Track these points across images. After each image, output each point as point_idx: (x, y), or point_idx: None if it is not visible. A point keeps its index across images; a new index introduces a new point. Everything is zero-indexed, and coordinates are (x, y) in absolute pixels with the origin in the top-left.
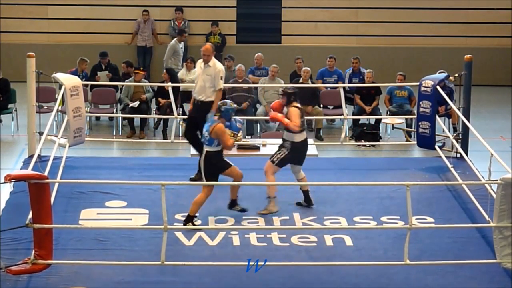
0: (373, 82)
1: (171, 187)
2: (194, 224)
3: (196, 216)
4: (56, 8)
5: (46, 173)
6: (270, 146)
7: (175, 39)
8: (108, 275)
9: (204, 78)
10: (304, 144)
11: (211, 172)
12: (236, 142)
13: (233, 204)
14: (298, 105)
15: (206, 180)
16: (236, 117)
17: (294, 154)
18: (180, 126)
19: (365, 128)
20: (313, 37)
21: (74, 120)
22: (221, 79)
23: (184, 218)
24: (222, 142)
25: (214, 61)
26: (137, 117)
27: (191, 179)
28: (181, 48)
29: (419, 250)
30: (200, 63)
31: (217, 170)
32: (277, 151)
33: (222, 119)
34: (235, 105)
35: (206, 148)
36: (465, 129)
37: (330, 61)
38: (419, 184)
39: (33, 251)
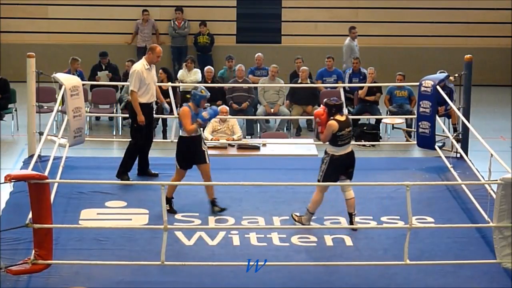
0: (374, 82)
1: None
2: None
3: (173, 198)
4: (56, 8)
5: (46, 173)
6: (270, 146)
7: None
8: (108, 275)
9: (154, 80)
10: (344, 159)
11: (180, 157)
12: (236, 142)
13: (212, 204)
14: (341, 117)
15: (177, 162)
16: (213, 107)
17: (333, 168)
18: None
19: (365, 128)
20: (313, 37)
21: (74, 120)
22: None
23: (184, 218)
24: (182, 124)
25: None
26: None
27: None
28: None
29: (419, 250)
30: (145, 67)
31: (188, 157)
32: (320, 167)
33: (192, 104)
34: (207, 93)
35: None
36: (465, 129)
37: (329, 61)
38: (419, 184)
39: (33, 251)
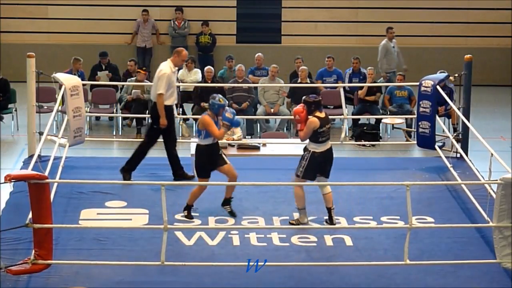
0: (374, 81)
1: (171, 187)
2: (190, 214)
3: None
4: (56, 8)
5: (46, 173)
6: (270, 146)
7: None
8: (108, 275)
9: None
10: (324, 155)
11: (200, 165)
12: (236, 142)
13: (226, 202)
14: (320, 114)
15: (196, 172)
16: (228, 109)
17: (313, 165)
18: (180, 126)
19: (365, 128)
20: (313, 37)
21: (74, 120)
22: None
23: (184, 218)
24: (210, 132)
25: None
26: (136, 116)
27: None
28: None
29: (419, 250)
30: (171, 69)
31: (208, 165)
32: (299, 162)
33: (211, 113)
34: (225, 101)
35: (197, 141)
36: (465, 129)
37: (329, 61)
38: (419, 184)
39: (33, 251)
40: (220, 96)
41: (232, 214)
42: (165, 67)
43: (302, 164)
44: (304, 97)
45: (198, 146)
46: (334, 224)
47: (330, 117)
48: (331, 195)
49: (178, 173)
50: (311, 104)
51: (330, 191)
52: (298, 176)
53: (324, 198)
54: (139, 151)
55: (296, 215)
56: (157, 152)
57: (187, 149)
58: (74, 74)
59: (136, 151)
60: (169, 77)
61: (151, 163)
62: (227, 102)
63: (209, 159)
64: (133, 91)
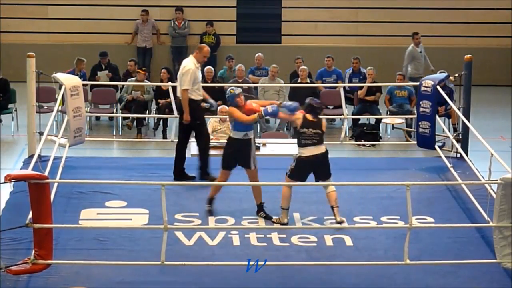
0: (374, 82)
1: (171, 187)
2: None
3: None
4: (56, 8)
5: (46, 173)
6: (270, 146)
7: None
8: (108, 275)
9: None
10: (310, 161)
11: (224, 155)
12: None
13: (259, 209)
14: (310, 117)
15: (222, 163)
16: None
17: (299, 168)
18: None
19: (365, 128)
20: (313, 37)
21: (74, 120)
22: None
23: (184, 218)
24: (237, 119)
25: None
26: (135, 116)
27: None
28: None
29: (419, 250)
30: (195, 65)
31: (232, 158)
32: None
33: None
34: (236, 89)
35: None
36: (465, 129)
37: (328, 61)
38: (419, 184)
39: (33, 251)
40: (232, 87)
41: (267, 218)
42: (189, 63)
43: (292, 164)
44: (309, 98)
45: (229, 137)
46: (340, 223)
47: (330, 117)
48: (333, 194)
49: (206, 174)
50: (307, 106)
51: (333, 190)
52: (287, 175)
53: (327, 197)
54: (178, 151)
55: (296, 215)
56: (157, 152)
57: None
58: (77, 75)
59: (176, 152)
60: (193, 72)
61: (151, 163)
62: (239, 89)
63: (234, 151)
64: (133, 92)
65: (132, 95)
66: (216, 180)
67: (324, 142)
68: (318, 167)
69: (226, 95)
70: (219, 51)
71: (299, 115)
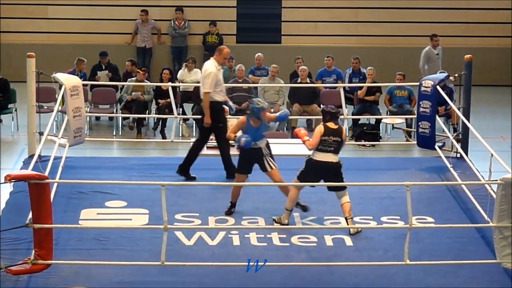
0: (374, 82)
1: (171, 187)
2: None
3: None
4: (56, 8)
5: (46, 173)
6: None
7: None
8: (108, 275)
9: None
10: (320, 165)
11: (240, 161)
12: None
13: (297, 204)
14: (332, 125)
15: (238, 168)
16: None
17: (309, 171)
18: (180, 126)
19: (365, 128)
20: (313, 37)
21: (74, 120)
22: None
23: (184, 218)
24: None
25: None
26: (135, 116)
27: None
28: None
29: (419, 250)
30: (217, 67)
31: (247, 164)
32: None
33: (252, 117)
34: (264, 103)
35: None
36: (465, 129)
37: (328, 61)
38: (419, 184)
39: (33, 251)
40: (259, 99)
41: (304, 208)
42: (210, 66)
43: (302, 166)
44: (323, 106)
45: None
46: (353, 234)
47: None
48: (346, 205)
49: (231, 172)
50: (326, 114)
51: (347, 201)
52: (297, 176)
53: (341, 208)
54: (193, 149)
55: (296, 215)
56: (157, 152)
57: (187, 149)
58: (77, 75)
59: (190, 150)
60: (215, 75)
61: (151, 163)
62: (266, 104)
63: (248, 161)
64: (133, 93)
65: (132, 96)
66: (233, 188)
67: None
68: (329, 176)
69: (251, 105)
70: None
71: (320, 126)
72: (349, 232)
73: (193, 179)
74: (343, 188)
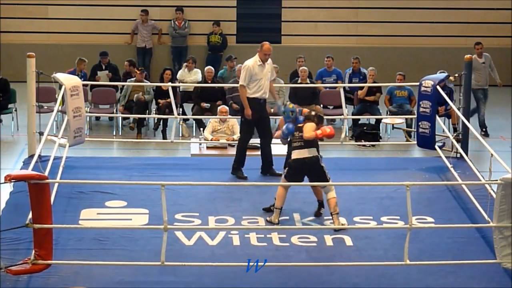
0: (374, 82)
1: (171, 187)
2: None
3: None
4: (56, 8)
5: (46, 173)
6: None
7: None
8: (108, 275)
9: (267, 76)
10: (299, 163)
11: (288, 170)
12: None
13: (320, 205)
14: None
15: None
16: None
17: (291, 170)
18: (180, 126)
19: (365, 128)
20: (313, 37)
21: (74, 120)
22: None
23: (184, 218)
24: None
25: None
26: (136, 117)
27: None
28: None
29: (419, 250)
30: (257, 63)
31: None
32: None
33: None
34: (293, 107)
35: None
36: (465, 129)
37: (328, 61)
38: (419, 184)
39: (33, 251)
40: (287, 105)
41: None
42: (249, 60)
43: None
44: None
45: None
46: (338, 230)
47: (330, 117)
48: (332, 200)
49: (268, 170)
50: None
51: (333, 197)
52: (283, 175)
53: (327, 203)
54: (238, 148)
55: (296, 215)
56: (157, 152)
57: (187, 149)
58: (77, 75)
59: (236, 149)
60: (249, 69)
61: (151, 163)
62: (295, 109)
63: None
64: (135, 95)
65: (134, 98)
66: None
67: (325, 143)
68: (309, 171)
69: (284, 107)
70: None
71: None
72: (334, 229)
73: (245, 178)
74: (325, 182)
